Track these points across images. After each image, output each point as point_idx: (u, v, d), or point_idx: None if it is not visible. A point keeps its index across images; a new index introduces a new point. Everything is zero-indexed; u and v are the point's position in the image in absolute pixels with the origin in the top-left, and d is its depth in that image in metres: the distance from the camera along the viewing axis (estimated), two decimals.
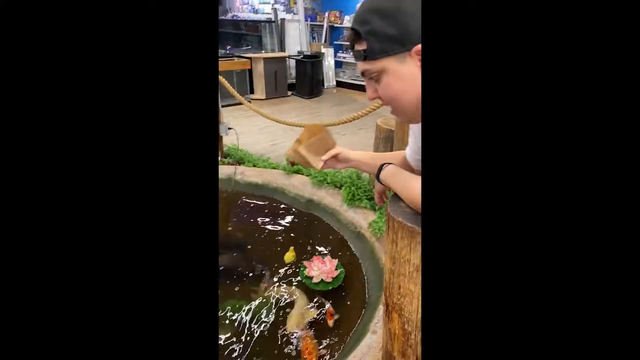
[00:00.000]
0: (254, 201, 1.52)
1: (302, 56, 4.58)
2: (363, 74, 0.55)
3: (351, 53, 0.57)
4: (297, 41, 4.99)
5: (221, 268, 1.11)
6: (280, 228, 1.35)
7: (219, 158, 1.71)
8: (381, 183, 0.65)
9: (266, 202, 1.52)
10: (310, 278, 1.06)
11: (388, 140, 1.31)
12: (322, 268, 1.07)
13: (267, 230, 1.32)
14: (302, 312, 0.93)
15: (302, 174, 1.58)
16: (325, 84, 4.99)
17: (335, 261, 1.10)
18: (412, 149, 0.69)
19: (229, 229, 1.33)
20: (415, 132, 0.66)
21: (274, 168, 1.66)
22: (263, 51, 4.69)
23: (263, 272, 1.11)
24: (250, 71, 4.28)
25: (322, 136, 0.73)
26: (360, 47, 0.52)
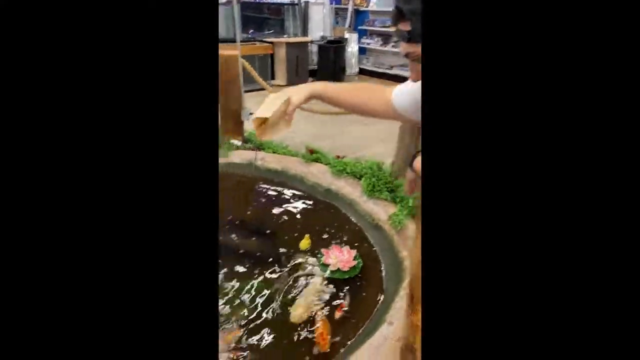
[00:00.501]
0: (273, 187, 1.53)
1: (325, 41, 4.49)
2: (407, 55, 0.52)
3: (393, 34, 0.55)
4: (320, 25, 4.87)
5: (241, 252, 1.13)
6: (297, 215, 1.36)
7: (240, 143, 1.73)
8: (414, 171, 0.63)
9: (285, 189, 1.53)
10: (327, 266, 1.06)
11: (414, 130, 1.27)
12: (340, 257, 1.07)
13: (284, 217, 1.34)
14: (309, 303, 0.94)
15: (321, 163, 1.57)
16: (347, 71, 4.88)
17: (354, 252, 1.10)
18: (401, 90, 0.67)
19: (248, 213, 1.35)
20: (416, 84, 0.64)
21: (293, 155, 1.66)
22: (285, 35, 4.62)
23: (280, 257, 1.12)
24: (272, 56, 4.24)
25: (275, 112, 0.75)
26: (404, 27, 0.50)
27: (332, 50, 4.30)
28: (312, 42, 4.55)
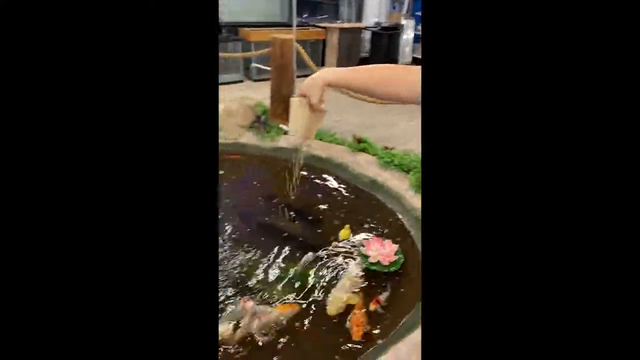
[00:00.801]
0: (318, 174, 1.54)
1: (379, 28, 4.32)
2: None
3: None
4: (376, 11, 4.69)
5: (285, 235, 1.17)
6: (340, 204, 1.36)
7: (288, 128, 1.76)
8: None
9: (329, 176, 1.53)
10: (367, 257, 1.05)
11: None
12: (381, 250, 1.06)
13: (327, 204, 1.35)
14: (345, 293, 0.94)
15: (368, 153, 1.55)
16: (400, 60, 4.67)
17: (395, 246, 1.07)
18: None
19: (292, 198, 1.38)
20: None
21: (339, 144, 1.65)
22: (339, 21, 4.53)
23: (321, 244, 1.14)
24: (324, 42, 4.20)
25: (303, 126, 0.83)
26: None
27: (386, 37, 4.13)
28: (365, 28, 4.41)
